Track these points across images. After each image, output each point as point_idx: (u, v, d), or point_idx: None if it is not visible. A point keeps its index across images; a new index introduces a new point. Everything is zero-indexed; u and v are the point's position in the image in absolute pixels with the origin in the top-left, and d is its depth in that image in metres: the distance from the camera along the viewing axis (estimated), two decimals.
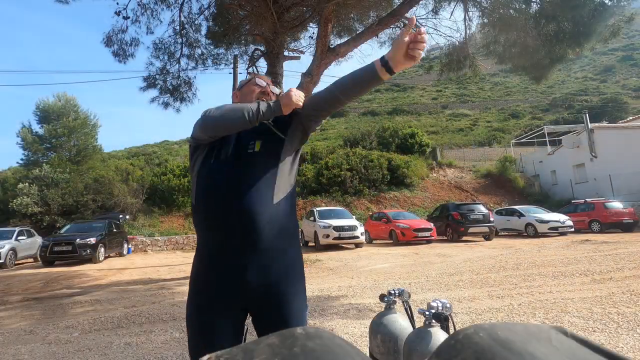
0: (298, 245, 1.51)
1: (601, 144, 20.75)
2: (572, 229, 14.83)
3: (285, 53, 9.08)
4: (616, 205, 15.62)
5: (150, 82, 9.92)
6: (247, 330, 1.44)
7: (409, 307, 1.94)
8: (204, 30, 9.91)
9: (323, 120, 1.59)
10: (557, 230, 14.78)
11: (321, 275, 7.75)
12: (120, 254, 14.33)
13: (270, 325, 1.36)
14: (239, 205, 1.34)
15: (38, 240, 13.83)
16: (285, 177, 1.45)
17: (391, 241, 14.61)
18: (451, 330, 1.65)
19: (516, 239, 14.93)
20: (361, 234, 13.55)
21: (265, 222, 1.35)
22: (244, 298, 1.36)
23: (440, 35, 9.36)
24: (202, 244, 1.43)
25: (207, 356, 0.37)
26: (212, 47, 10.12)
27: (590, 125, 21.25)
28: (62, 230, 13.81)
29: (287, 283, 1.39)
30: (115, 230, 14.21)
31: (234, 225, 1.34)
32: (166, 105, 10.26)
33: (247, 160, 1.41)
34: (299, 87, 7.55)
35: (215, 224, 1.37)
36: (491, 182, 24.50)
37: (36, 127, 24.95)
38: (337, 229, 13.07)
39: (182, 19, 9.44)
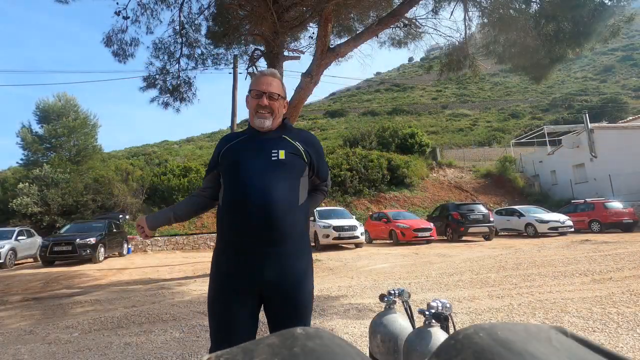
0: (310, 248, 1.68)
1: (601, 144, 20.75)
2: (572, 229, 14.83)
3: (285, 53, 9.07)
4: (616, 205, 15.62)
5: (150, 82, 9.91)
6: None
7: (409, 307, 1.94)
8: (203, 30, 9.91)
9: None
10: (557, 230, 14.78)
11: (321, 275, 7.74)
12: (120, 254, 14.33)
13: (282, 309, 1.53)
14: (271, 205, 1.49)
15: (38, 240, 13.83)
16: (305, 184, 1.64)
17: (391, 241, 14.61)
18: (451, 330, 1.65)
19: (516, 239, 14.93)
20: (361, 234, 13.55)
21: (291, 221, 1.52)
22: (261, 284, 1.51)
23: (440, 35, 9.31)
24: (229, 238, 1.57)
25: (207, 356, 0.37)
26: (212, 47, 10.11)
27: (590, 125, 21.25)
28: (62, 230, 13.81)
29: (302, 277, 1.56)
30: (115, 230, 14.21)
31: (264, 222, 1.48)
32: (166, 105, 10.25)
33: (274, 166, 1.56)
34: (299, 87, 7.54)
35: (247, 222, 1.50)
36: (491, 182, 24.49)
37: (36, 127, 24.91)
38: (337, 229, 13.07)
39: (182, 19, 9.44)
